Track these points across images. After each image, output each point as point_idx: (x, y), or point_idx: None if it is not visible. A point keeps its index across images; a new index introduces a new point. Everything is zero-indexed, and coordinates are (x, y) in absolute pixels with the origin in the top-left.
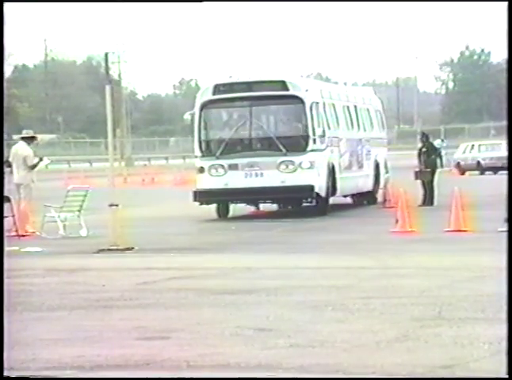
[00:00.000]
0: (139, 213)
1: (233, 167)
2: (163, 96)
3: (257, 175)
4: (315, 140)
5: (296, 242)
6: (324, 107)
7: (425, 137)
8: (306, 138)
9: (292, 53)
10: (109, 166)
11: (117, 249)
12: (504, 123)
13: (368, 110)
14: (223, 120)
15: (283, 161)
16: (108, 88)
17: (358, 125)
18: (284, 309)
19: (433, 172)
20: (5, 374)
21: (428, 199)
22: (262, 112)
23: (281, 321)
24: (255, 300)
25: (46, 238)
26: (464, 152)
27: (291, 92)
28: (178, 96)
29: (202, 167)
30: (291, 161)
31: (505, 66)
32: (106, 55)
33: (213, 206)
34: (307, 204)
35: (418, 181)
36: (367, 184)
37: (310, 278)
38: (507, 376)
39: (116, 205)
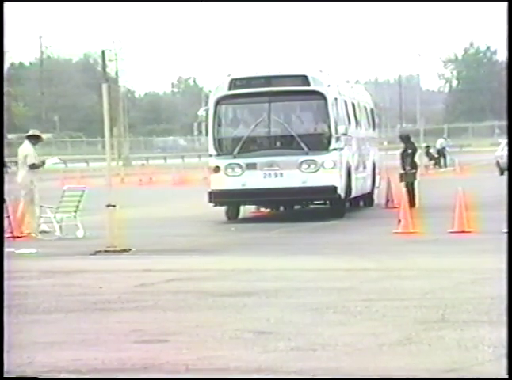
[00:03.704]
0: (137, 214)
1: (251, 166)
2: (161, 94)
3: (276, 175)
4: (336, 138)
5: (296, 243)
6: (341, 104)
7: (406, 138)
8: (328, 136)
9: (294, 51)
10: (106, 166)
11: (114, 251)
12: None
13: (365, 108)
14: (239, 117)
15: (304, 161)
16: (105, 86)
17: (362, 124)
18: (284, 312)
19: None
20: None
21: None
22: (282, 109)
23: (282, 323)
24: (255, 302)
25: (42, 239)
26: (502, 149)
27: (312, 87)
28: (176, 95)
29: (218, 166)
30: (313, 160)
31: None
32: (103, 52)
33: (212, 205)
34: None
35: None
36: (368, 185)
37: (311, 280)
38: (507, 376)
39: (114, 205)
